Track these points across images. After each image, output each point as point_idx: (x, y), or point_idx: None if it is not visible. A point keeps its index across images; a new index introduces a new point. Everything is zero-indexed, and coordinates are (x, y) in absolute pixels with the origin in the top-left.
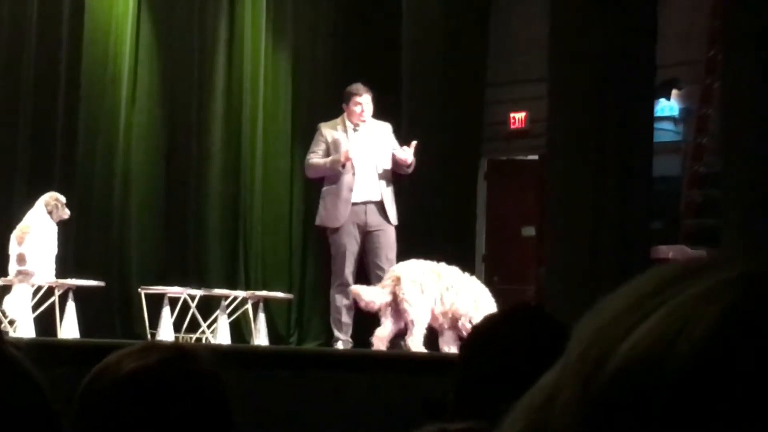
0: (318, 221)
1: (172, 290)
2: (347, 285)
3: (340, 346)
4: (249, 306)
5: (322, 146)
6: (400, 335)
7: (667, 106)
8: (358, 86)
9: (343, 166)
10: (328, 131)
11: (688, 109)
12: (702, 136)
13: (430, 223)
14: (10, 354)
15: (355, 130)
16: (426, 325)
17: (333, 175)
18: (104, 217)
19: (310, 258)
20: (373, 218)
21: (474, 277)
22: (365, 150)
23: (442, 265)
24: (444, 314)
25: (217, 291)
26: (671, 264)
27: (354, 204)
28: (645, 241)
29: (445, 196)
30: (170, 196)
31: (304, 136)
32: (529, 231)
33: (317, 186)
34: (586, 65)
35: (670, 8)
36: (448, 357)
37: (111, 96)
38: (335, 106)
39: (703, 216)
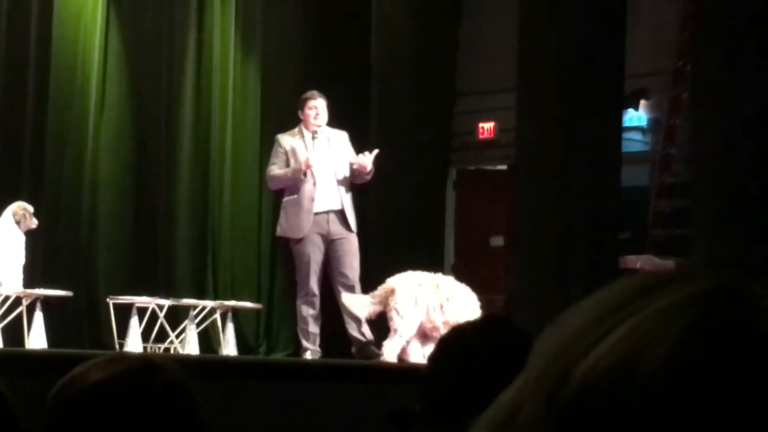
0: (279, 232)
1: (141, 300)
2: (313, 295)
3: (308, 356)
4: (217, 316)
5: (282, 157)
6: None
7: (636, 116)
8: (312, 92)
9: (305, 174)
10: (287, 140)
11: (656, 119)
12: (670, 146)
13: (399, 233)
14: None
15: (313, 138)
16: (407, 338)
17: (294, 185)
18: (72, 227)
19: (278, 267)
20: (336, 227)
21: (467, 287)
22: (324, 158)
23: (439, 275)
24: (445, 324)
25: (186, 301)
26: (635, 277)
27: (316, 213)
28: (613, 251)
29: (413, 206)
30: (138, 205)
31: (273, 146)
32: (498, 241)
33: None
34: (555, 75)
35: (638, 19)
36: (417, 367)
37: (79, 105)
38: None
39: (671, 226)
